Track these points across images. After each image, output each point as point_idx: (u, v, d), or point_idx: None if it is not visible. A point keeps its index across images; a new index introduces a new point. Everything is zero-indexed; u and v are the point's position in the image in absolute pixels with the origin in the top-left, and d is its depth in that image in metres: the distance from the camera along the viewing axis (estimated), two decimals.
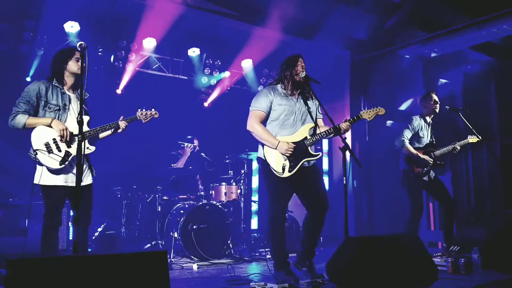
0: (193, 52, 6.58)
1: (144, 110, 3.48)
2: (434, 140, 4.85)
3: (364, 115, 3.54)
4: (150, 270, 2.03)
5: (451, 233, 4.67)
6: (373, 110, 3.54)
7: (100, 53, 5.98)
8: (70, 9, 5.33)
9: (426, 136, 4.78)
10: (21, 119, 3.01)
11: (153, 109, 3.52)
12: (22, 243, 4.17)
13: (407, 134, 4.69)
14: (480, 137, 4.67)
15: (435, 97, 4.81)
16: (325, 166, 7.13)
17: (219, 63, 6.85)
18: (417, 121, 4.75)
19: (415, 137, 4.74)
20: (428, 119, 4.84)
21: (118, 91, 6.30)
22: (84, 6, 5.37)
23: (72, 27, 5.46)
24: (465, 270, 3.51)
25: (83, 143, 3.09)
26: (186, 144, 5.76)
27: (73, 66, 3.18)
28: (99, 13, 5.67)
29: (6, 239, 4.13)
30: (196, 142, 5.93)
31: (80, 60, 2.83)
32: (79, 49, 2.67)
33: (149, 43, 6.07)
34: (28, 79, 5.63)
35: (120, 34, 6.00)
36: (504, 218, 6.14)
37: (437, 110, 4.82)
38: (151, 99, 5.88)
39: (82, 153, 2.62)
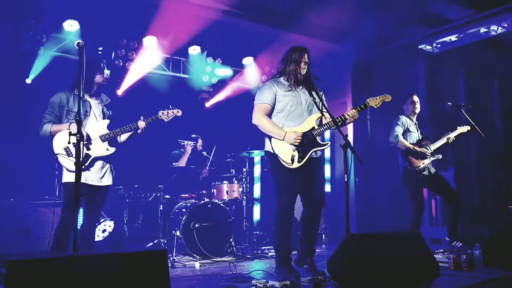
0: (194, 50, 6.56)
1: (166, 110, 3.74)
2: (424, 135, 4.93)
3: (371, 102, 3.53)
4: (150, 268, 2.03)
5: (456, 229, 4.67)
6: (379, 98, 3.53)
7: (100, 52, 5.97)
8: (70, 8, 5.32)
9: (416, 132, 4.87)
10: (47, 128, 3.42)
11: (175, 109, 3.78)
12: (24, 243, 4.19)
13: (399, 129, 4.77)
14: (470, 127, 4.69)
15: (415, 98, 4.93)
16: (327, 174, 7.12)
17: (220, 61, 6.84)
18: (404, 118, 4.86)
19: (406, 134, 4.82)
20: (413, 118, 4.94)
21: (119, 92, 6.30)
22: (83, 4, 5.36)
23: (71, 26, 5.46)
24: (467, 266, 3.49)
25: (94, 144, 3.42)
26: (186, 142, 5.76)
27: (99, 78, 3.55)
28: (99, 11, 5.66)
29: (8, 239, 4.15)
30: (200, 142, 5.91)
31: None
32: (77, 48, 2.70)
33: (150, 41, 6.06)
34: (28, 81, 5.63)
35: (120, 32, 5.98)
36: (506, 215, 6.11)
37: (417, 111, 4.93)
38: (152, 98, 5.90)
39: (83, 152, 2.77)
